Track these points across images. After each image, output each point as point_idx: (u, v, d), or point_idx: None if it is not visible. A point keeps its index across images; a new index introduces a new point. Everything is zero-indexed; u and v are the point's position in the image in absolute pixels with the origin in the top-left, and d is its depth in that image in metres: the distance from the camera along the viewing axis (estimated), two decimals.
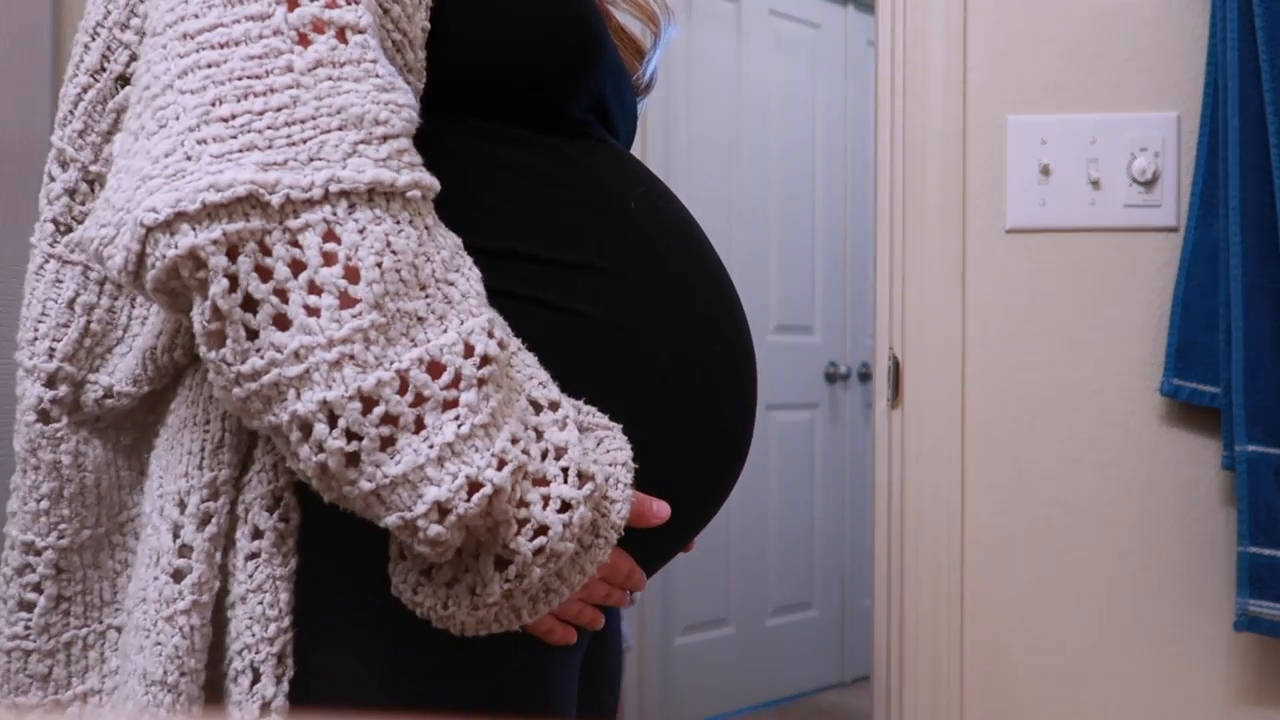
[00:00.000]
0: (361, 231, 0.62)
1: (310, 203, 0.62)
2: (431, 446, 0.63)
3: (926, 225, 1.56)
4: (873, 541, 1.63)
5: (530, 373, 0.70)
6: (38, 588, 0.73)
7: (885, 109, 1.59)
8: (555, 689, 0.78)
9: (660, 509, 0.75)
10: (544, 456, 0.67)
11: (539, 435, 0.68)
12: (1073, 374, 1.53)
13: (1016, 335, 1.54)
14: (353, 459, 0.63)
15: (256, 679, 0.68)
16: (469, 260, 0.68)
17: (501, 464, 0.64)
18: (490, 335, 0.65)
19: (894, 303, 1.58)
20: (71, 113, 0.76)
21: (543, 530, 0.66)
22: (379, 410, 0.62)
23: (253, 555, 0.69)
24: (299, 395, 0.62)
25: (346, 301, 0.62)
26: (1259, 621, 1.36)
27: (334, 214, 0.62)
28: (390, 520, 0.64)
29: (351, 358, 0.62)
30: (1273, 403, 1.36)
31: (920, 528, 1.56)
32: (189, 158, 0.62)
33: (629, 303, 0.76)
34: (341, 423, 0.62)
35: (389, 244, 0.63)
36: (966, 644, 1.55)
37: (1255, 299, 1.36)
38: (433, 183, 0.66)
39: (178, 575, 0.68)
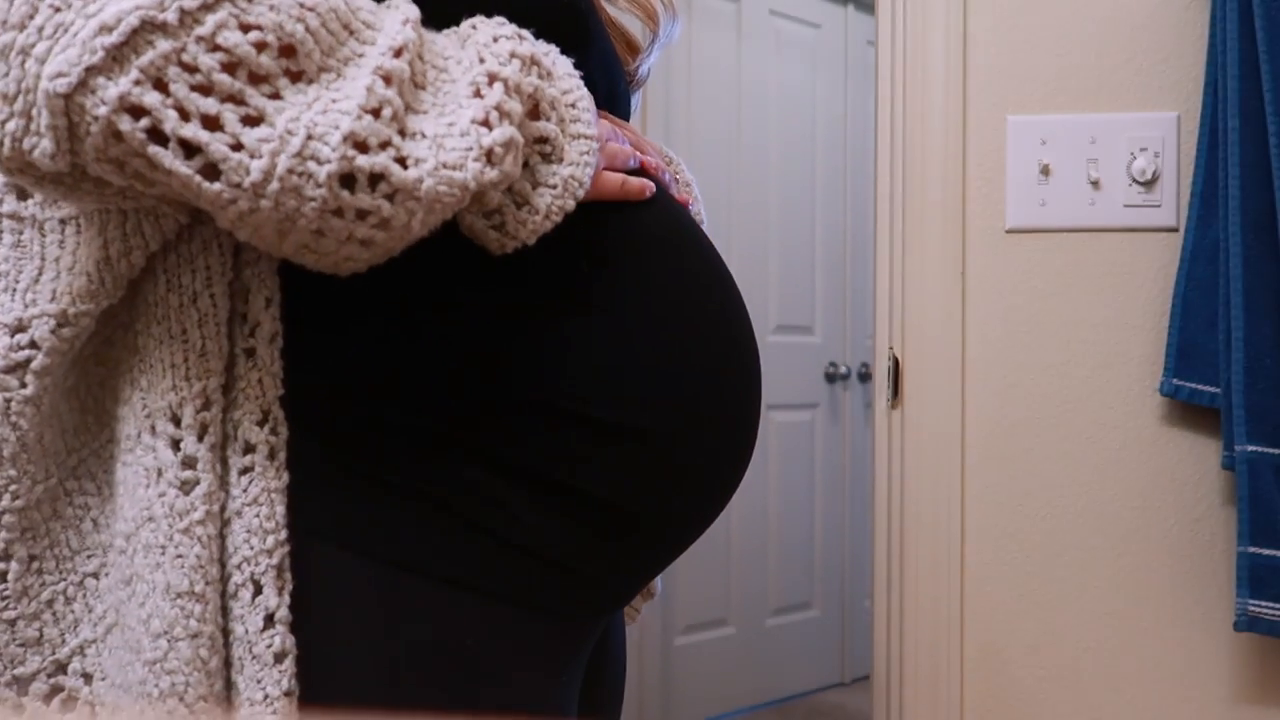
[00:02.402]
0: (272, 7, 0.61)
1: (206, 6, 0.59)
2: (426, 114, 0.66)
3: (926, 225, 1.56)
4: (873, 541, 1.63)
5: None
6: (5, 555, 0.71)
7: (885, 109, 1.59)
8: (557, 688, 0.78)
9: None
10: (494, 40, 0.70)
11: (495, 39, 0.70)
12: (1072, 374, 1.53)
13: (1016, 335, 1.54)
14: (401, 162, 0.63)
15: (259, 591, 0.68)
16: None
17: (473, 75, 0.68)
18: (404, 24, 0.66)
19: (894, 303, 1.58)
20: None
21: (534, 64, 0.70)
22: (386, 112, 0.63)
23: (246, 470, 0.69)
24: (319, 160, 0.61)
25: (294, 77, 0.61)
26: (1259, 621, 1.36)
27: (236, 5, 0.60)
28: (466, 180, 0.65)
29: (334, 100, 0.61)
30: (1273, 403, 1.36)
31: (920, 528, 1.56)
32: (57, 9, 0.58)
33: (630, 300, 0.76)
34: (371, 139, 0.62)
35: (302, 4, 0.62)
36: (966, 644, 1.55)
37: (1255, 299, 1.36)
38: None
39: (186, 487, 0.67)
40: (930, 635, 1.56)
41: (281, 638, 0.67)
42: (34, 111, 0.59)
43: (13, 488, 0.71)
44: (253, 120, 0.60)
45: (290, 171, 0.60)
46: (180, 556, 0.67)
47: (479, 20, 0.72)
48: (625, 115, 0.93)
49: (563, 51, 0.77)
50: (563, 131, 0.73)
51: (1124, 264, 1.51)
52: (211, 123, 0.60)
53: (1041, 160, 1.53)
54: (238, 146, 0.60)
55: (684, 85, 3.30)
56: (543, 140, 0.72)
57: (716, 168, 3.37)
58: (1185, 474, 1.50)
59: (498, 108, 0.67)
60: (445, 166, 0.64)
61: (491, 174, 0.66)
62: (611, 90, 0.87)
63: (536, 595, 0.75)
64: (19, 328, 0.69)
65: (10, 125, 0.60)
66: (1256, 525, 1.36)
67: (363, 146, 0.61)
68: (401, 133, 0.63)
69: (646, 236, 0.80)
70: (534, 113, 0.71)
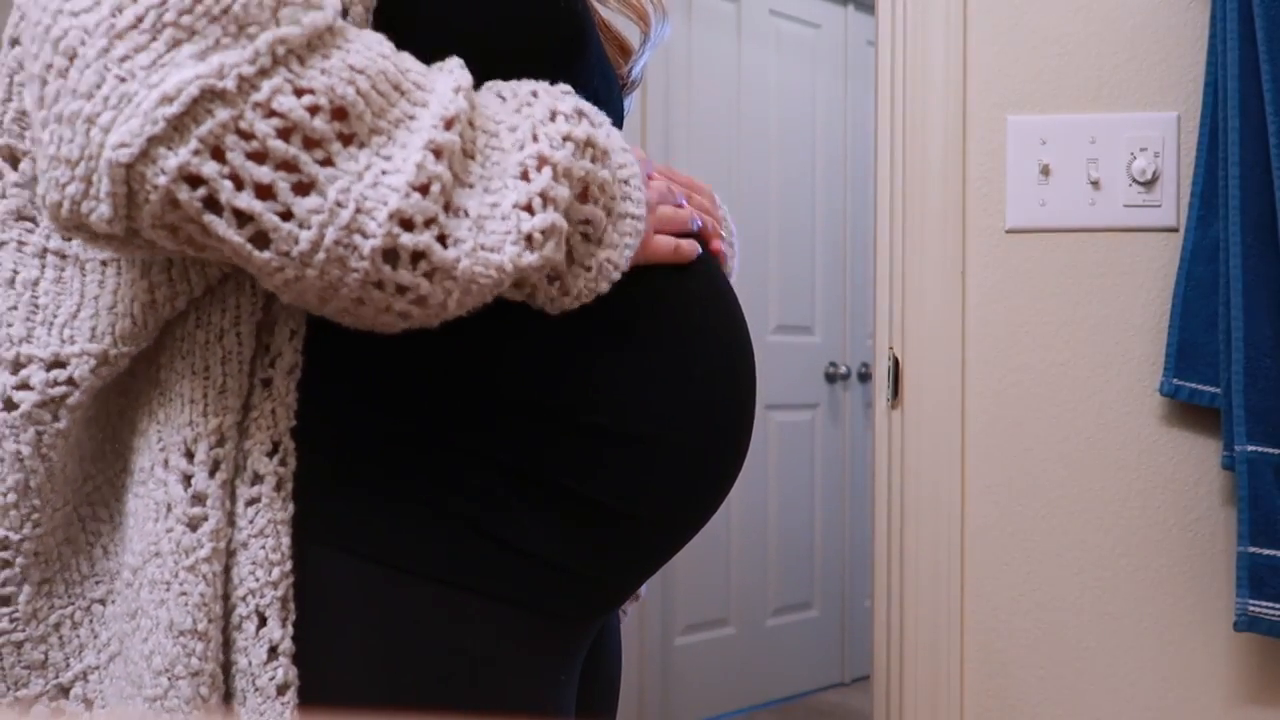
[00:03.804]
0: (324, 72, 0.61)
1: (264, 71, 0.60)
2: (473, 187, 0.66)
3: (926, 225, 1.56)
4: (873, 541, 1.63)
5: (490, 86, 0.72)
6: (20, 581, 0.72)
7: (885, 109, 1.59)
8: (553, 688, 0.78)
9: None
10: (550, 119, 0.70)
11: (527, 105, 0.71)
12: (1072, 374, 1.53)
13: (1016, 335, 1.54)
14: (442, 240, 0.64)
15: (263, 623, 0.68)
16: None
17: (522, 146, 0.68)
18: (456, 92, 0.67)
19: (894, 303, 1.58)
20: None
21: (591, 145, 0.71)
22: (435, 188, 0.63)
23: (253, 500, 0.69)
24: (364, 233, 0.62)
25: (347, 140, 0.62)
26: (1259, 621, 1.36)
27: (290, 71, 0.61)
28: (503, 263, 0.66)
29: (384, 172, 0.62)
30: (1273, 403, 1.36)
31: (920, 528, 1.56)
32: (122, 79, 0.58)
33: (624, 304, 0.76)
34: (417, 218, 0.63)
35: (352, 68, 0.62)
36: (966, 644, 1.55)
37: (1255, 299, 1.36)
38: (345, 2, 0.67)
39: (194, 524, 0.68)
40: (930, 635, 1.56)
41: (284, 670, 0.68)
42: (95, 178, 0.60)
43: (35, 516, 0.71)
44: (304, 188, 0.61)
45: (337, 243, 0.61)
46: (184, 594, 0.67)
47: (541, 88, 0.72)
48: (619, 121, 0.92)
49: (559, 59, 0.77)
50: (609, 213, 0.73)
51: (1124, 264, 1.51)
52: (265, 191, 0.60)
53: (1041, 160, 1.53)
54: (288, 216, 0.61)
55: (684, 85, 3.30)
56: (586, 222, 0.72)
57: (716, 168, 3.37)
58: (1185, 474, 1.50)
59: (543, 194, 0.67)
60: (483, 249, 0.65)
61: (531, 258, 0.67)
62: (607, 96, 0.87)
63: (535, 596, 0.75)
64: (56, 363, 0.70)
65: (70, 189, 0.61)
66: (1256, 525, 1.36)
67: (408, 224, 0.62)
68: (447, 207, 0.64)
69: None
70: (583, 195, 0.71)
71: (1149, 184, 1.50)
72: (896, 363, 1.58)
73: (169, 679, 0.67)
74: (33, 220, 0.72)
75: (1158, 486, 1.50)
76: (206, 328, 0.70)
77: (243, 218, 0.61)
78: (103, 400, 0.74)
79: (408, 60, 0.67)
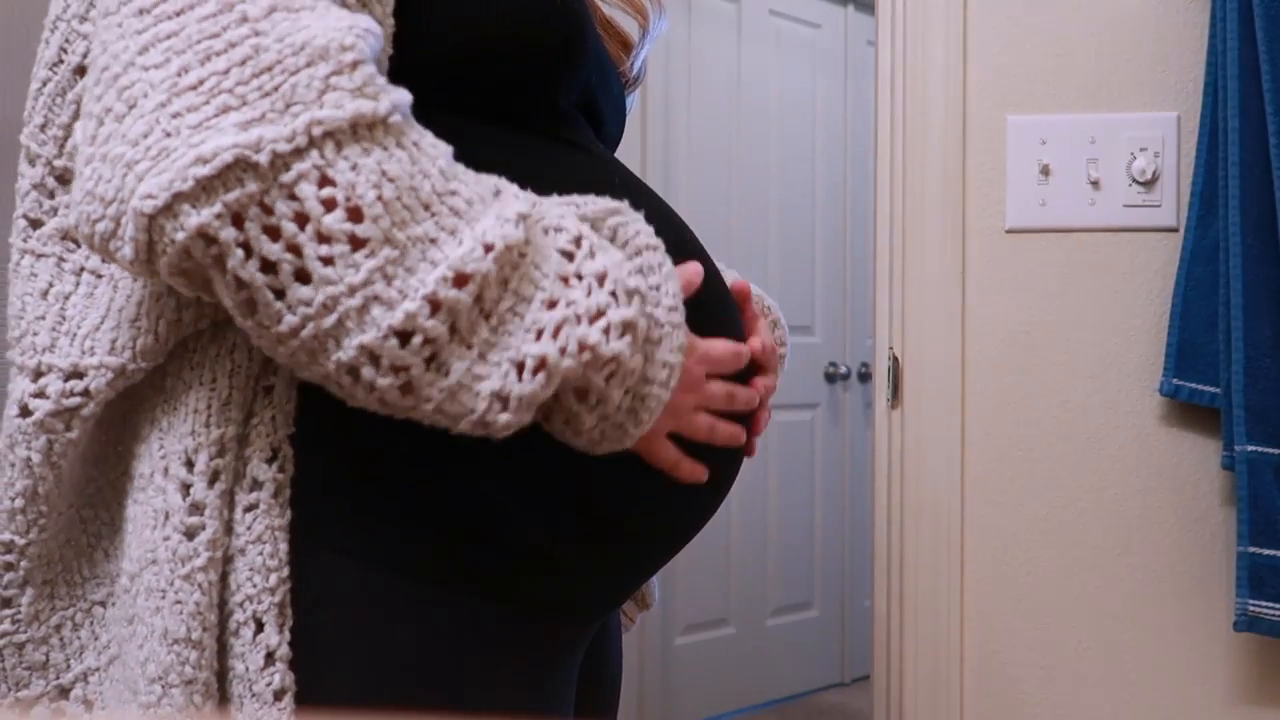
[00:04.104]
0: (354, 168, 0.62)
1: (298, 152, 0.61)
2: (471, 348, 0.64)
3: (926, 225, 1.56)
4: (873, 541, 1.63)
5: (548, 222, 0.68)
6: (24, 583, 0.73)
7: (885, 109, 1.59)
8: (552, 688, 0.78)
9: (693, 270, 0.76)
10: (589, 293, 0.66)
11: (579, 278, 0.67)
12: (1072, 374, 1.53)
13: (1016, 335, 1.54)
14: (406, 389, 0.64)
15: (260, 629, 0.68)
16: (461, 165, 0.67)
17: (540, 332, 0.65)
18: (505, 224, 0.64)
19: (894, 303, 1.58)
20: (33, 107, 0.75)
21: (611, 363, 0.67)
22: (416, 340, 0.62)
23: (251, 507, 0.69)
24: (338, 344, 0.62)
25: (357, 244, 0.62)
26: (1259, 621, 1.36)
27: (323, 158, 0.61)
28: (462, 427, 0.65)
29: (376, 298, 0.62)
30: (1273, 403, 1.36)
31: (920, 528, 1.56)
32: (168, 134, 0.61)
33: None
34: (385, 361, 0.63)
35: (384, 173, 0.62)
36: (966, 644, 1.56)
37: (1255, 299, 1.36)
38: (407, 98, 0.65)
39: (191, 533, 0.68)
40: (930, 635, 1.56)
41: (281, 675, 0.68)
42: (122, 220, 0.62)
43: (41, 521, 0.72)
44: (304, 276, 0.62)
45: (314, 337, 0.63)
46: (179, 602, 0.67)
47: (609, 259, 0.68)
48: (621, 120, 0.92)
49: (559, 65, 0.77)
50: (629, 394, 0.69)
51: (1124, 264, 1.51)
52: (269, 266, 0.62)
53: (1041, 160, 1.53)
54: (280, 294, 0.62)
55: (684, 85, 3.30)
56: (594, 396, 0.69)
57: (716, 168, 3.37)
58: (1185, 474, 1.50)
59: (530, 396, 0.65)
60: (443, 412, 0.65)
61: (507, 419, 0.65)
62: (607, 96, 0.87)
63: (533, 599, 0.75)
64: (74, 373, 0.71)
65: (100, 226, 0.63)
66: (1256, 525, 1.36)
67: (376, 361, 0.63)
68: (430, 360, 0.63)
69: None
70: (606, 374, 0.68)
71: (1149, 184, 1.50)
72: (896, 363, 1.58)
73: (163, 686, 0.67)
74: (76, 241, 0.74)
75: (1158, 486, 1.50)
76: (220, 341, 0.71)
77: (240, 284, 0.63)
78: (109, 403, 0.74)
79: (461, 178, 0.65)
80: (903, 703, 1.57)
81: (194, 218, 0.60)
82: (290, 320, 0.62)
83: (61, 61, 0.74)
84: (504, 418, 0.65)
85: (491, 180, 0.68)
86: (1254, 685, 1.48)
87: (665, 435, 0.75)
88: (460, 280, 0.63)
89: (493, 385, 0.64)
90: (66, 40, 0.74)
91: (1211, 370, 1.43)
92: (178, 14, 0.63)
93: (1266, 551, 1.36)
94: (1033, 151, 1.53)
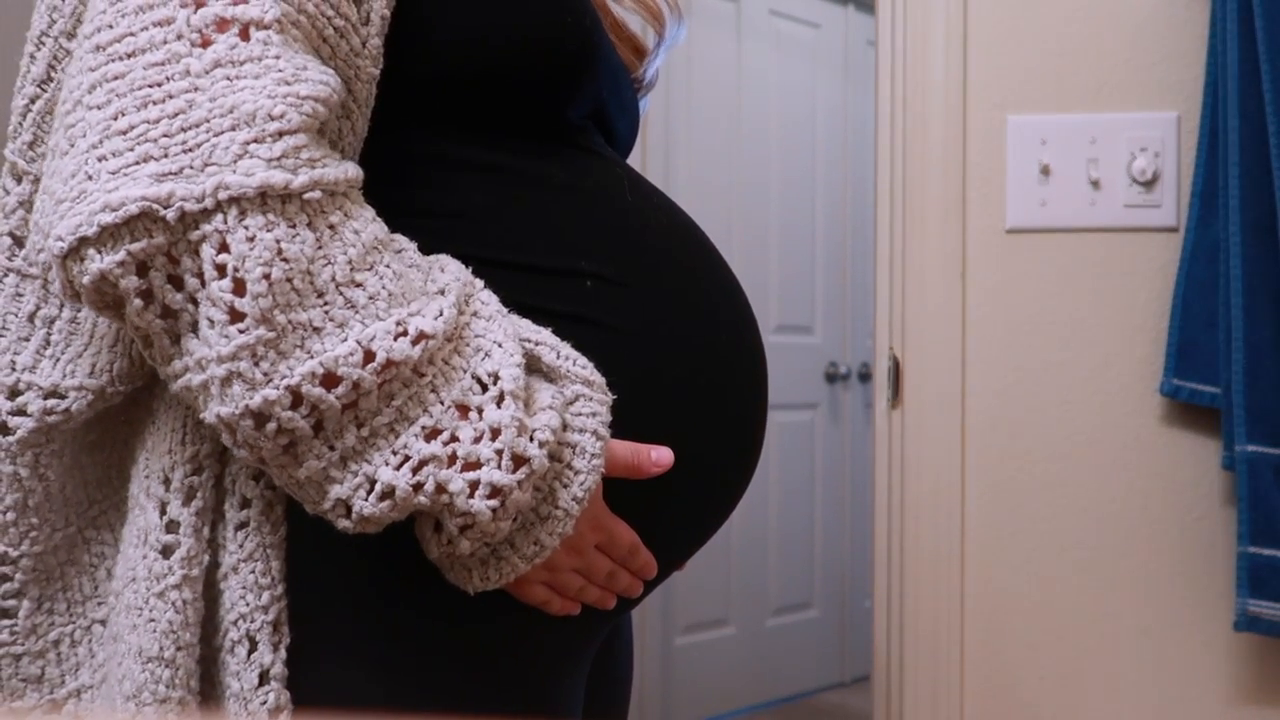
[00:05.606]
0: (251, 240, 0.61)
1: (205, 213, 0.61)
2: (333, 450, 0.64)
3: (926, 225, 1.56)
4: (873, 541, 1.63)
5: (481, 344, 0.67)
6: (19, 594, 0.73)
7: (885, 109, 1.59)
8: (561, 690, 0.78)
9: (660, 456, 0.73)
10: (478, 439, 0.65)
11: (480, 414, 0.65)
12: (1073, 374, 1.53)
13: (1016, 335, 1.54)
14: (261, 462, 0.65)
15: (254, 648, 0.68)
16: (390, 255, 0.65)
17: (404, 461, 0.64)
18: (398, 336, 0.63)
19: (894, 303, 1.58)
20: (20, 124, 0.74)
21: (466, 516, 0.65)
22: (271, 426, 0.62)
23: (242, 525, 0.69)
24: (204, 404, 0.63)
25: (234, 316, 0.61)
26: (1259, 621, 1.36)
27: (225, 223, 0.61)
28: (309, 509, 0.66)
29: (239, 375, 0.61)
30: (1273, 403, 1.36)
31: (920, 528, 1.56)
32: (89, 177, 0.61)
33: (637, 309, 0.76)
34: (239, 436, 0.63)
35: (280, 251, 0.61)
36: (966, 644, 1.56)
37: (1255, 299, 1.36)
38: (339, 177, 0.64)
39: (166, 551, 0.68)
40: (930, 635, 1.56)
41: (276, 694, 0.68)
42: (50, 254, 0.63)
43: (33, 534, 0.73)
44: (194, 328, 0.63)
45: (187, 389, 0.64)
46: (153, 620, 0.68)
47: (507, 414, 0.66)
48: (634, 126, 0.92)
49: (569, 73, 0.76)
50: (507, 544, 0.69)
51: (1124, 264, 1.51)
52: (169, 313, 0.63)
53: (1041, 160, 1.53)
54: (175, 339, 0.63)
55: (684, 85, 3.30)
56: (466, 516, 0.66)
57: (716, 168, 3.37)
58: (1185, 474, 1.50)
59: (393, 498, 0.64)
60: (296, 494, 0.66)
61: (343, 524, 0.65)
62: (619, 104, 0.87)
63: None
64: (54, 393, 0.72)
65: (41, 257, 0.65)
66: (1256, 525, 1.36)
67: (231, 433, 0.63)
68: (286, 448, 0.63)
69: (647, 245, 0.79)
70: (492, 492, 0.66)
71: (1149, 184, 1.50)
72: (896, 363, 1.58)
73: (136, 705, 0.67)
74: None
75: (1158, 486, 1.50)
76: None
77: (136, 327, 0.64)
78: (108, 428, 0.76)
79: (379, 270, 0.64)
80: (903, 703, 1.57)
81: (96, 263, 0.61)
82: (176, 365, 0.64)
83: (51, 79, 0.74)
84: (344, 524, 0.65)
85: (446, 278, 0.67)
86: (1254, 685, 1.48)
87: (538, 582, 0.73)
88: (330, 380, 0.62)
89: (340, 493, 0.64)
90: (54, 58, 0.73)
91: (1211, 370, 1.43)
92: (129, 55, 0.62)
93: (1266, 551, 1.36)
94: (1033, 151, 1.53)
